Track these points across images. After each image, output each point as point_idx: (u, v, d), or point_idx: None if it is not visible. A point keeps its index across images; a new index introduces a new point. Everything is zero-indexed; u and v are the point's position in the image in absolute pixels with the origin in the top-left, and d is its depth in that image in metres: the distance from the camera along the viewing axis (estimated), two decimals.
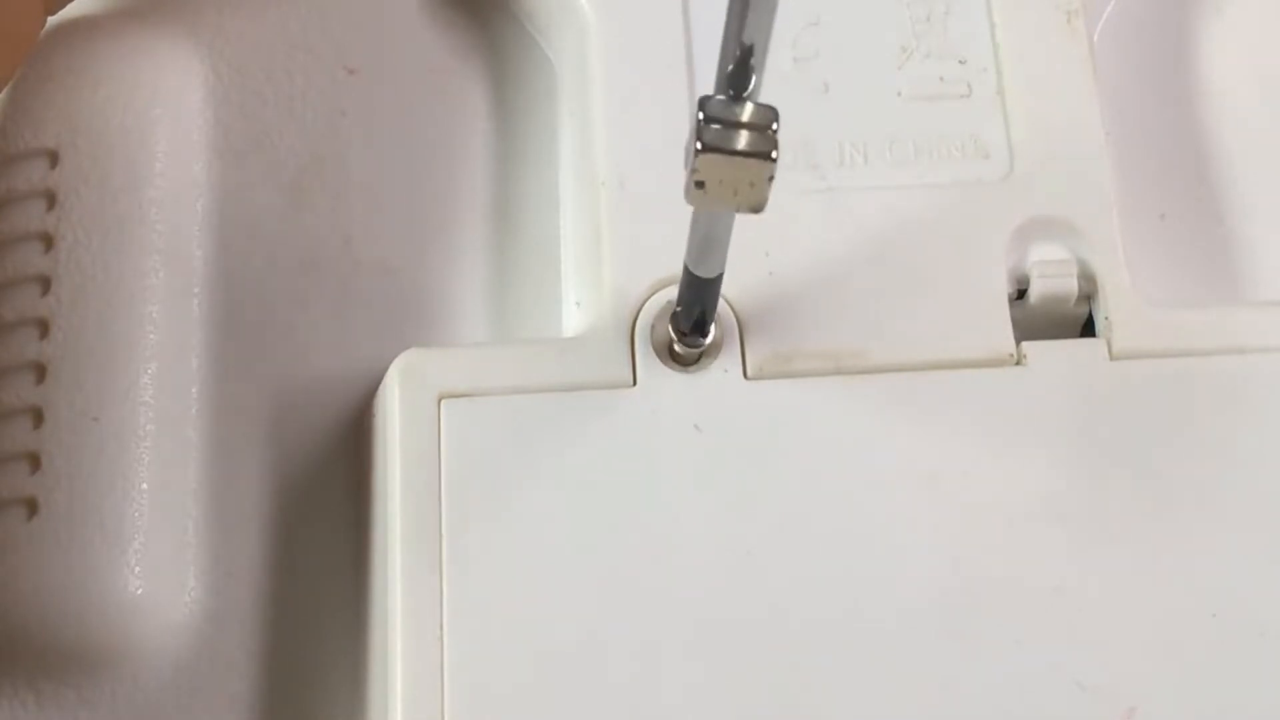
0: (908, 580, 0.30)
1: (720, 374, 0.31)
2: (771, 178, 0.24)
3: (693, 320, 0.30)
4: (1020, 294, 0.32)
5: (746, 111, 0.24)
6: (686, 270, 0.29)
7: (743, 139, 0.24)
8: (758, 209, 0.25)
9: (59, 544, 0.31)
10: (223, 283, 0.34)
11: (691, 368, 0.31)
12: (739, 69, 0.24)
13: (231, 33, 0.36)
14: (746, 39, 0.23)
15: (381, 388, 0.32)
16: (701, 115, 0.24)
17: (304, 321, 0.34)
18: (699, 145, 0.24)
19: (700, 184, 0.24)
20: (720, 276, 0.29)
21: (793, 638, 0.30)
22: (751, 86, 0.24)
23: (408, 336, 0.34)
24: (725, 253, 0.28)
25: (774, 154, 0.24)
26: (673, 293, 0.32)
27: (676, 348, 0.31)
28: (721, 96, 0.24)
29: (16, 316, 0.33)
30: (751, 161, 0.24)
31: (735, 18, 0.23)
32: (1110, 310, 0.32)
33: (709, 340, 0.31)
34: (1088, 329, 0.33)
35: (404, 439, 0.31)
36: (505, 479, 0.30)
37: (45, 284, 0.33)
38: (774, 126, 0.24)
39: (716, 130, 0.24)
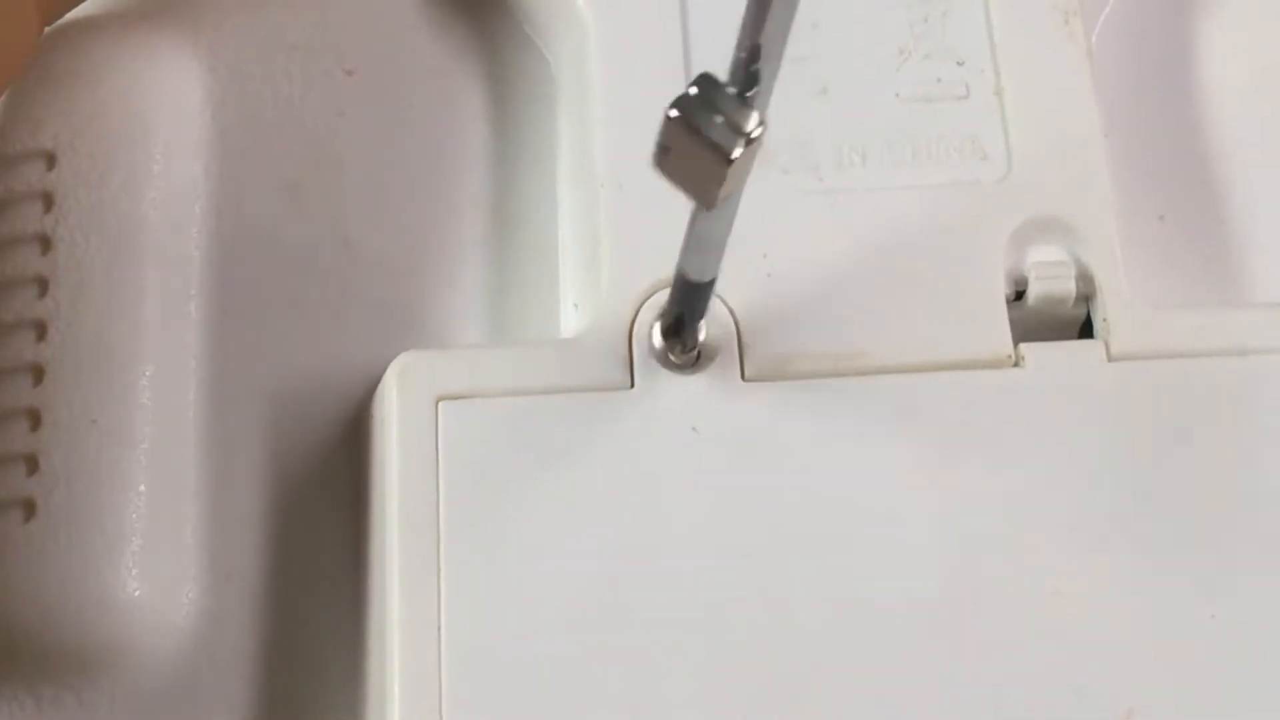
0: (906, 582, 0.30)
1: (718, 376, 0.31)
2: (722, 182, 0.24)
3: (681, 325, 0.30)
4: (1018, 295, 0.32)
5: (733, 105, 0.23)
6: (679, 274, 0.29)
7: (714, 127, 0.23)
8: (704, 203, 0.24)
9: (57, 546, 0.32)
10: (221, 284, 0.34)
11: (689, 370, 0.31)
12: (746, 65, 0.24)
13: (230, 34, 0.36)
14: (756, 38, 0.23)
15: (379, 389, 0.32)
16: (694, 87, 0.23)
17: (302, 322, 0.34)
18: (673, 109, 0.23)
19: (665, 149, 0.24)
20: (713, 282, 0.29)
21: (790, 638, 0.30)
22: (756, 90, 0.24)
23: (406, 338, 0.34)
24: (720, 256, 0.28)
25: (733, 156, 0.23)
26: None
27: (670, 355, 0.31)
28: (723, 81, 0.24)
29: (14, 318, 0.33)
30: (709, 153, 0.23)
31: (751, 15, 0.23)
32: (1108, 312, 0.32)
33: (699, 342, 0.31)
34: (1086, 330, 0.33)
35: (402, 441, 0.31)
36: (503, 481, 0.30)
37: (43, 286, 0.33)
38: (750, 131, 0.23)
39: (695, 104, 0.23)
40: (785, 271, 0.32)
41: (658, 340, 0.31)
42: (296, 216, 0.35)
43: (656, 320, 0.31)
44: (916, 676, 0.30)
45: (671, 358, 0.31)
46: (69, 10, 0.35)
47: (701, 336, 0.31)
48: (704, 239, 0.28)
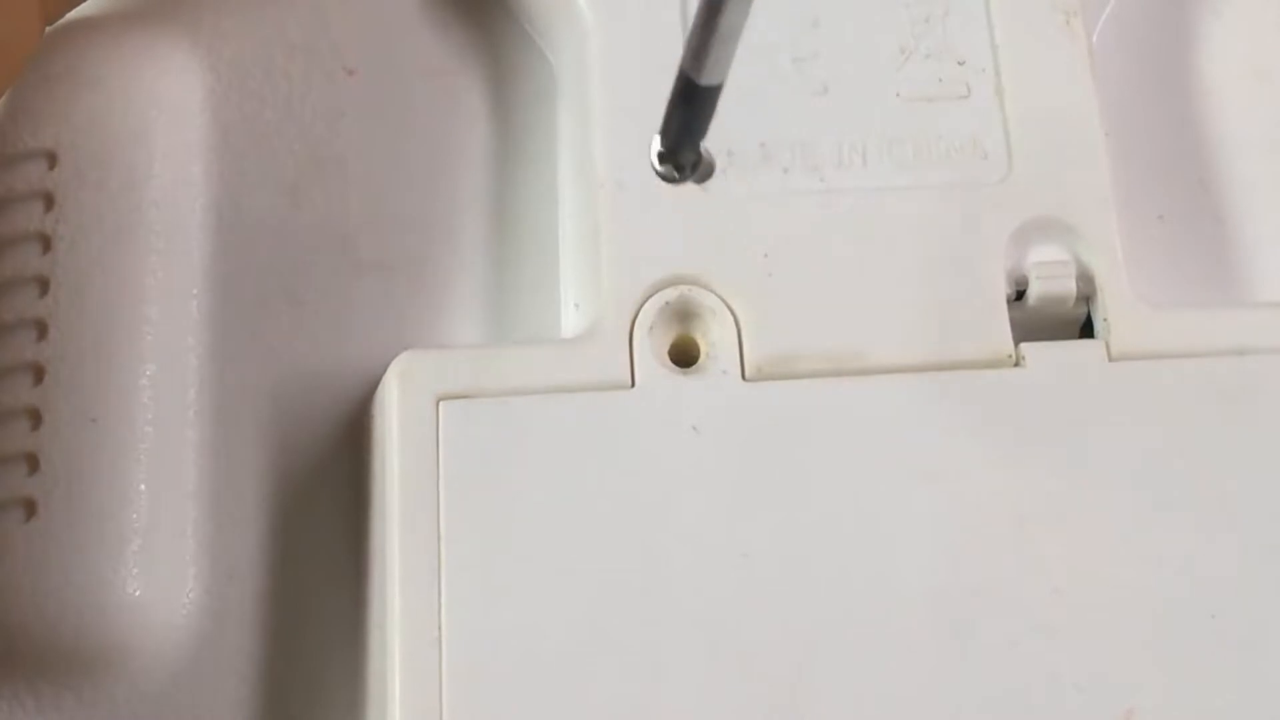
0: (906, 582, 0.30)
1: (719, 375, 0.31)
2: None
3: (682, 140, 0.28)
4: (1019, 295, 0.32)
5: None
6: (682, 76, 0.26)
7: None
8: None
9: (58, 546, 0.31)
10: (221, 283, 0.34)
11: (690, 370, 0.31)
12: None
13: (230, 34, 0.36)
14: None
15: (380, 389, 0.32)
16: None
17: (303, 322, 0.34)
18: None
19: None
20: (719, 88, 0.26)
21: (790, 639, 0.30)
22: None
23: (406, 337, 0.34)
24: (731, 55, 0.26)
25: None
26: (671, 294, 0.32)
27: (660, 168, 0.29)
28: None
29: (15, 318, 0.33)
30: None
31: None
32: (1109, 311, 0.32)
33: (699, 167, 0.28)
34: (1086, 330, 0.33)
35: (402, 440, 0.31)
36: (503, 481, 0.30)
37: (43, 285, 0.33)
38: None
39: None
40: (785, 271, 0.32)
41: (656, 161, 0.29)
42: (297, 215, 0.35)
43: (663, 318, 0.32)
44: (916, 676, 0.30)
45: (661, 169, 0.29)
46: (70, 10, 0.35)
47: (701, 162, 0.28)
48: (715, 28, 0.25)
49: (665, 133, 0.28)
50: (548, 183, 0.35)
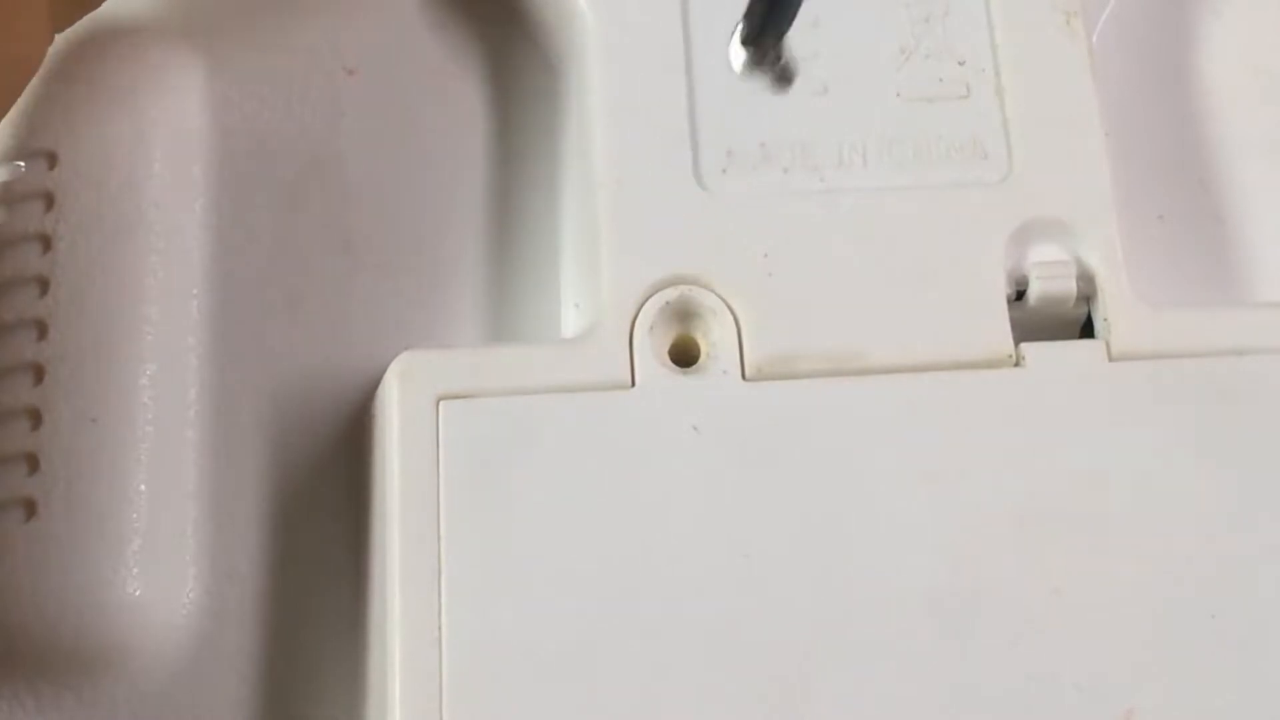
0: (906, 582, 0.30)
1: (719, 375, 0.31)
2: None
3: (764, 31, 0.26)
4: (1019, 295, 0.32)
5: None
6: None
7: None
8: None
9: (57, 546, 0.31)
10: (221, 284, 0.34)
11: (690, 370, 0.31)
12: None
13: (230, 34, 0.36)
14: None
15: (380, 389, 0.32)
16: None
17: (303, 322, 0.34)
18: None
19: None
20: None
21: (791, 639, 0.30)
22: None
23: (406, 337, 0.34)
24: None
25: None
26: (671, 294, 0.32)
27: (739, 55, 0.27)
28: None
29: (15, 317, 0.33)
30: None
31: None
32: (1109, 311, 0.32)
33: (780, 64, 0.27)
34: (1087, 330, 0.33)
35: (403, 441, 0.31)
36: (504, 481, 0.30)
37: (43, 285, 0.33)
38: None
39: None
40: (786, 271, 0.32)
41: (737, 53, 0.27)
42: (297, 216, 0.35)
43: (663, 317, 0.32)
44: (916, 676, 0.30)
45: (752, 64, 0.27)
46: (78, 20, 0.35)
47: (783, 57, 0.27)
48: None
49: (749, 15, 0.26)
50: (548, 183, 0.35)
